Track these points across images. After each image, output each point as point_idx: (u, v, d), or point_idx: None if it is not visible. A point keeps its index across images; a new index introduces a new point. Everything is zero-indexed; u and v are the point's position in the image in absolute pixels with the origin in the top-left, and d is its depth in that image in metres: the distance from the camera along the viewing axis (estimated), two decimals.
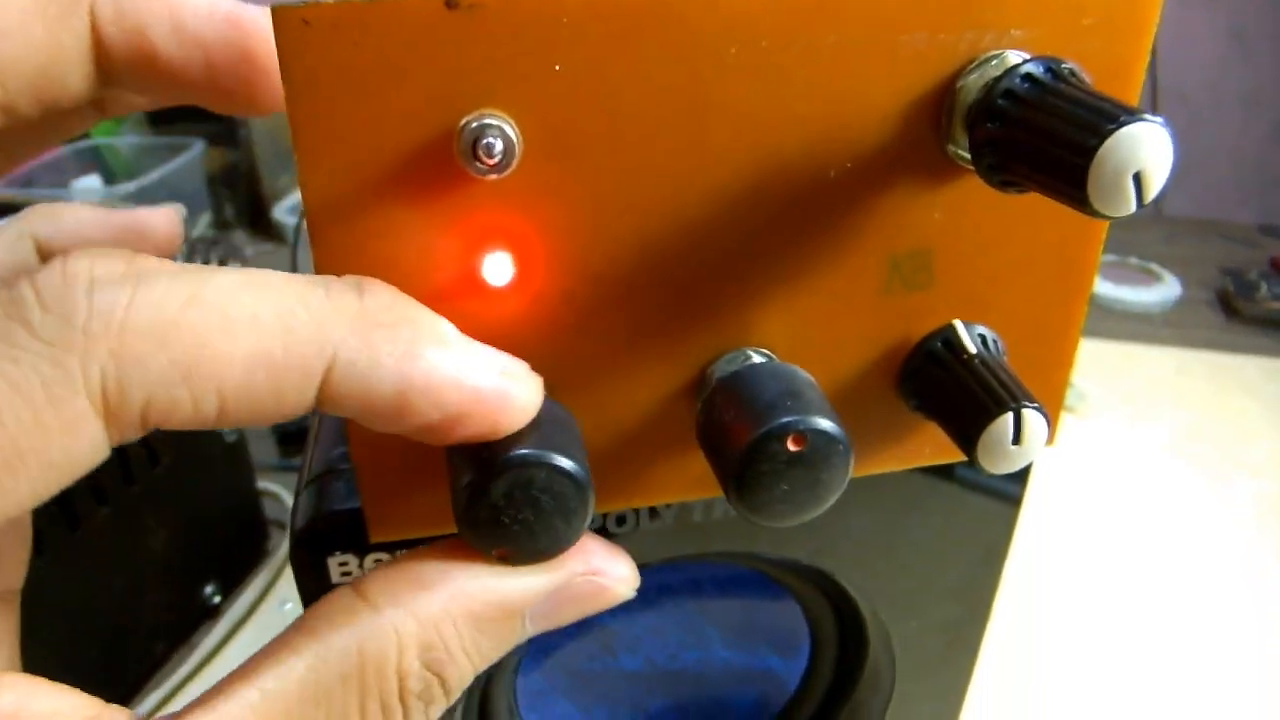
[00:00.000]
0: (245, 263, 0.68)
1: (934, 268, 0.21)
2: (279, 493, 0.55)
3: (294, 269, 0.46)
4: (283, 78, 0.16)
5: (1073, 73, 0.17)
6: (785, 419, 0.17)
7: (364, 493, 0.20)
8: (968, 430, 0.19)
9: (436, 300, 0.18)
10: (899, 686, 0.28)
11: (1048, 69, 0.17)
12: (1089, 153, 0.15)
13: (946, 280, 0.21)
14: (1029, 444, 0.19)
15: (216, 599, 0.49)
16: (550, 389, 0.19)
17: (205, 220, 0.87)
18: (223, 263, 0.67)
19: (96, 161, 0.89)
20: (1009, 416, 0.19)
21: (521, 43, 0.16)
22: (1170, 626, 0.47)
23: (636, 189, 0.18)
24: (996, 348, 0.21)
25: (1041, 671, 0.45)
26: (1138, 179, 0.15)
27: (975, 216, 0.20)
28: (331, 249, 0.17)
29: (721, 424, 0.18)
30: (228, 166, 0.93)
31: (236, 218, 0.94)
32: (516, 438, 0.17)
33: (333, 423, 0.25)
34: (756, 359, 0.20)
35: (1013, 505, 0.26)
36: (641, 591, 0.29)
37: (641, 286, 0.19)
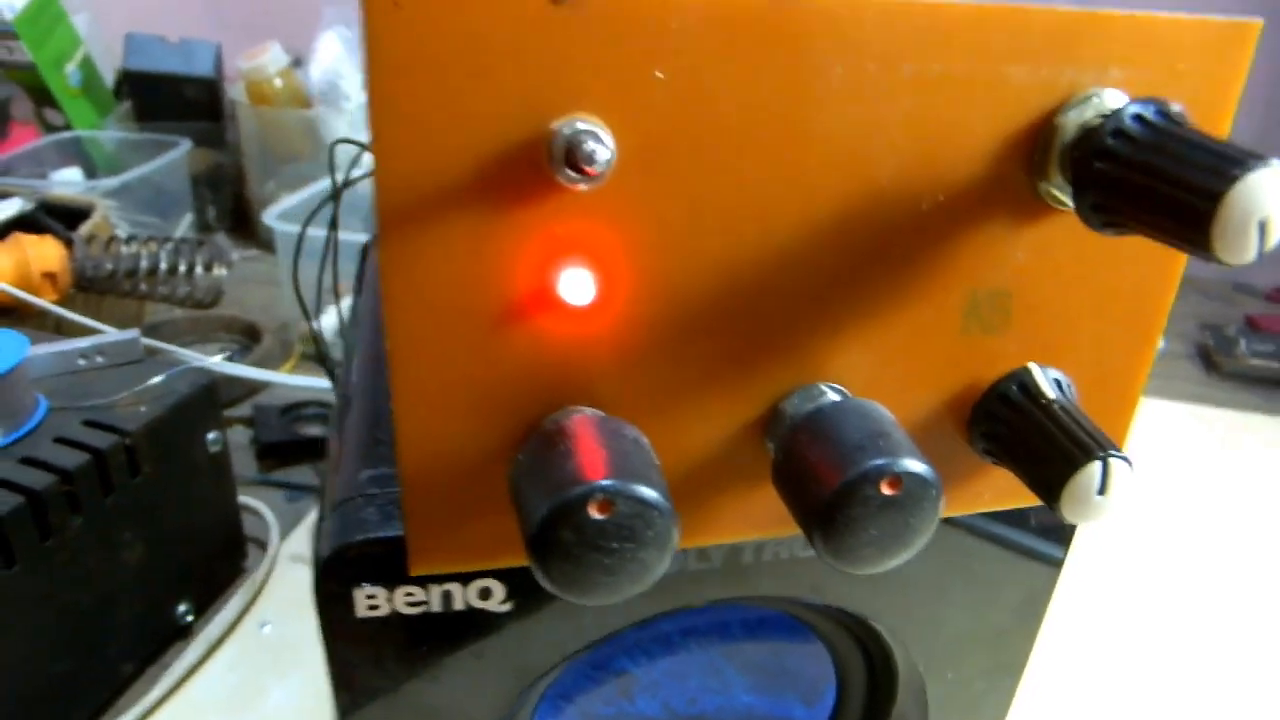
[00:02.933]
0: (230, 266, 0.66)
1: (1011, 309, 0.20)
2: (259, 508, 0.53)
3: (297, 279, 0.44)
4: (368, 63, 0.15)
5: (1182, 115, 0.17)
6: (879, 461, 0.16)
7: (410, 519, 0.19)
8: (1049, 478, 0.18)
9: (509, 317, 0.17)
10: None
11: (1158, 111, 0.17)
12: (1216, 197, 0.15)
13: (1021, 323, 0.20)
14: (1114, 493, 0.18)
15: (189, 618, 0.47)
16: (618, 416, 0.18)
17: (187, 221, 0.85)
18: (208, 266, 0.65)
19: (78, 154, 0.86)
20: (1097, 466, 0.18)
21: (624, 45, 0.15)
22: (1185, 673, 0.47)
23: (727, 209, 0.17)
24: (1071, 392, 0.20)
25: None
26: (1262, 226, 0.15)
27: (1056, 259, 0.20)
28: (401, 251, 0.16)
29: (806, 464, 0.17)
30: (213, 168, 0.91)
31: (219, 220, 0.91)
32: (597, 466, 0.16)
33: (356, 444, 0.24)
34: (831, 395, 0.19)
35: (1055, 566, 0.26)
36: (663, 634, 0.28)
37: (720, 314, 0.18)
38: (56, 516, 0.39)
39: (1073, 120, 0.18)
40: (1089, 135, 0.17)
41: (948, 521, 0.24)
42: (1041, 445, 0.19)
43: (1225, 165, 0.15)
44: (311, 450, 0.60)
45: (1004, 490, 0.22)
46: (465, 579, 0.21)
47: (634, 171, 0.16)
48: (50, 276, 0.57)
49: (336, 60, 0.80)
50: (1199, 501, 0.62)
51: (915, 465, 0.16)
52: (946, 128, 0.18)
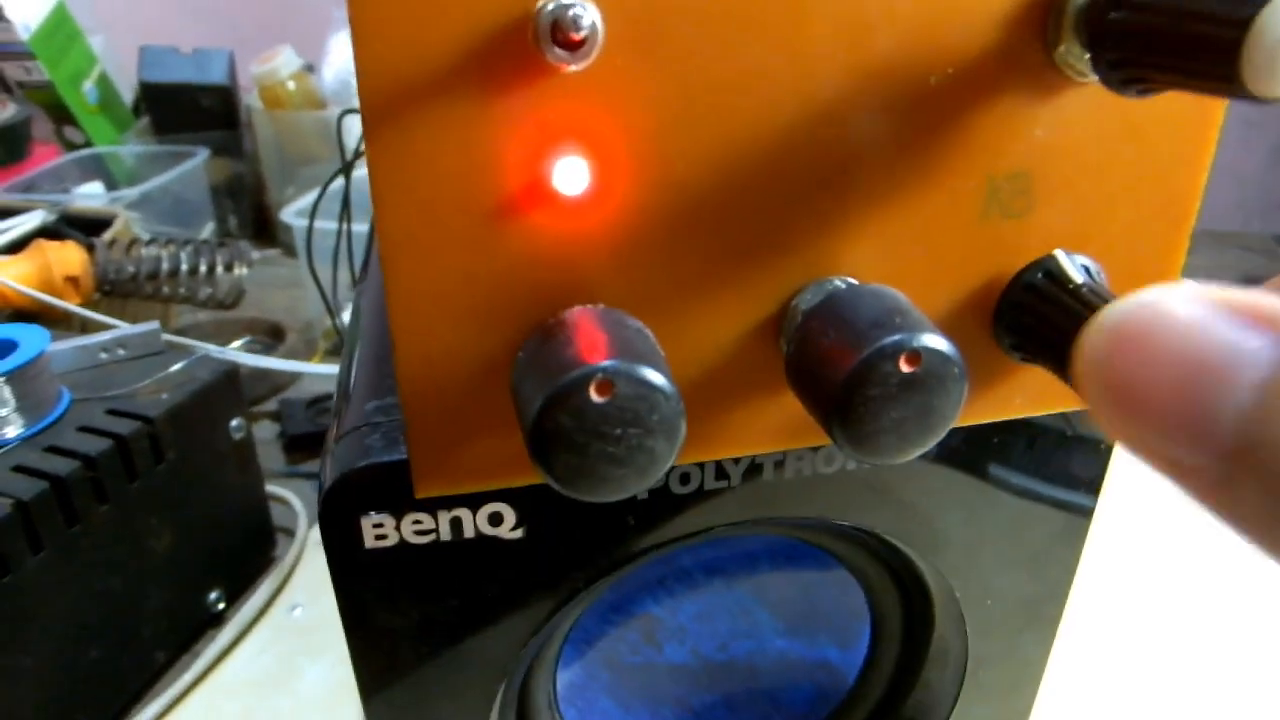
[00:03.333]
0: (250, 265, 0.66)
1: (1033, 192, 0.19)
2: (288, 497, 0.52)
3: (315, 274, 0.44)
4: None
5: None
6: (897, 336, 0.15)
7: (412, 436, 0.18)
8: None
9: (503, 211, 0.16)
10: (971, 674, 0.26)
11: None
12: (1243, 23, 0.14)
13: (1045, 206, 0.19)
14: None
15: (220, 606, 0.47)
16: None
17: (209, 229, 0.86)
18: (229, 266, 0.65)
19: (98, 170, 0.87)
20: None
21: None
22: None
23: (726, 90, 0.16)
24: (1101, 278, 0.19)
25: (1112, 656, 0.42)
26: None
27: (1078, 135, 0.18)
28: (388, 147, 0.15)
29: (820, 349, 0.16)
30: (232, 177, 0.91)
31: (240, 228, 0.92)
32: (597, 350, 0.15)
33: (367, 377, 0.23)
34: (843, 288, 0.18)
35: (1092, 494, 0.25)
36: (688, 571, 0.27)
37: (724, 203, 0.17)
38: (82, 502, 0.39)
39: None
40: None
41: (979, 439, 0.23)
42: (1072, 335, 0.18)
43: None
44: None
45: (1035, 395, 0.21)
46: (474, 504, 0.20)
47: (623, 50, 0.15)
48: (73, 280, 0.57)
49: (349, 60, 0.81)
50: None
51: (935, 340, 0.15)
52: None
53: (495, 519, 0.20)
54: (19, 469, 0.38)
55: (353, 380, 0.24)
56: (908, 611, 0.27)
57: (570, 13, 0.15)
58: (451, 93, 0.15)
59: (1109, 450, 0.24)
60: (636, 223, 0.17)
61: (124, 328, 0.47)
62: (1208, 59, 0.14)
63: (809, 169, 0.17)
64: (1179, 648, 0.43)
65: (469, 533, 0.20)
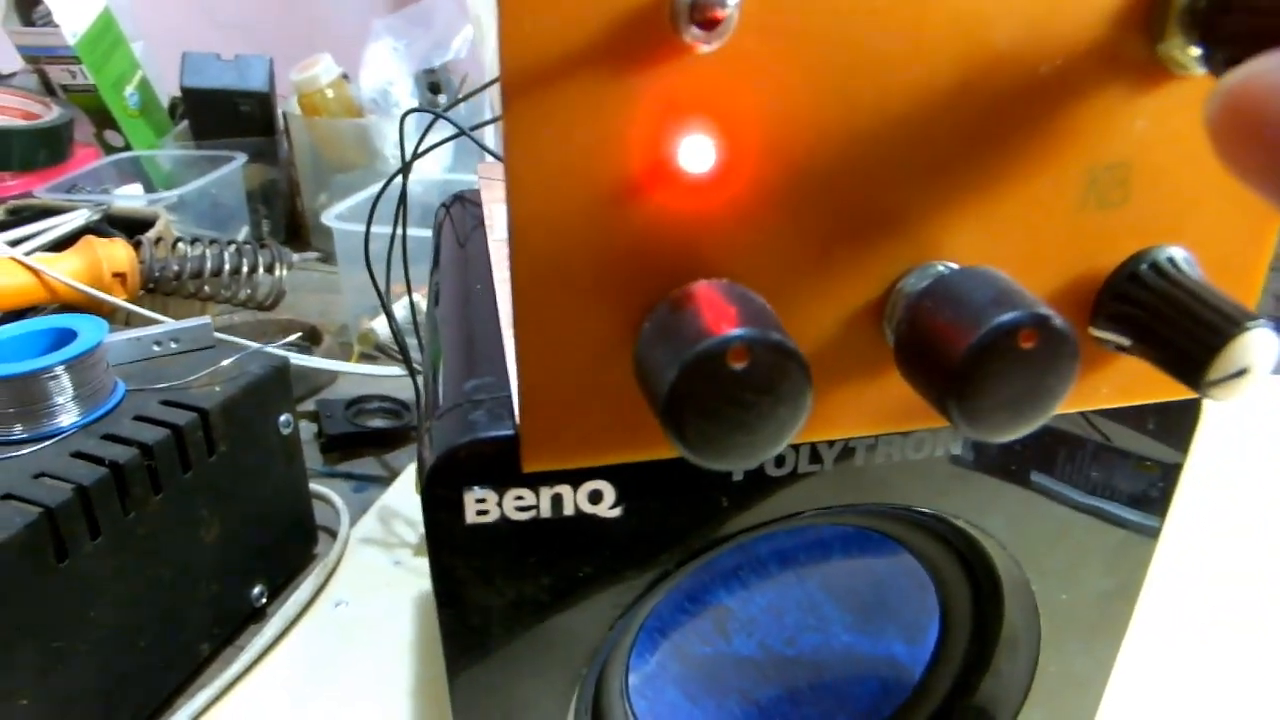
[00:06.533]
0: (291, 267, 0.67)
1: (1130, 183, 0.19)
2: (329, 494, 0.53)
3: (374, 276, 0.45)
4: None
5: None
6: (1018, 312, 0.16)
7: (525, 410, 0.18)
8: (1193, 355, 0.18)
9: (631, 187, 0.17)
10: (1042, 667, 0.26)
11: None
12: None
13: (1141, 197, 0.19)
14: (1260, 366, 0.17)
15: (263, 601, 0.47)
16: None
17: (244, 233, 0.87)
18: (269, 267, 0.66)
19: (137, 173, 0.88)
20: (1248, 336, 0.17)
21: None
22: None
23: (845, 74, 0.17)
24: (1195, 269, 0.20)
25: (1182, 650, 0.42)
26: None
27: (1176, 129, 0.19)
28: (522, 120, 0.16)
29: (936, 327, 0.17)
30: (267, 183, 0.92)
31: (273, 233, 0.93)
32: (729, 319, 0.15)
33: (458, 358, 0.23)
34: (950, 271, 0.18)
35: (1172, 479, 0.25)
36: (763, 561, 0.27)
37: (839, 185, 0.18)
38: (138, 490, 0.39)
39: None
40: None
41: (1060, 435, 0.23)
42: (1184, 321, 0.18)
43: None
44: (376, 442, 0.60)
45: (1121, 386, 0.21)
46: (576, 481, 0.20)
47: (754, 34, 0.16)
48: (120, 277, 0.58)
49: (385, 69, 0.82)
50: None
51: (1054, 317, 0.16)
52: None
53: (595, 497, 0.21)
54: (78, 455, 0.38)
55: (443, 362, 0.24)
56: (977, 603, 0.27)
57: None
58: (587, 70, 0.16)
59: (1178, 468, 0.25)
60: (756, 203, 0.17)
61: (176, 321, 0.47)
62: None
63: (921, 153, 0.18)
64: (1243, 657, 0.43)
65: (569, 510, 0.21)
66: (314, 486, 0.52)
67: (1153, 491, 0.24)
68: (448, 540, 0.21)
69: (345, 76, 0.91)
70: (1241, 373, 0.18)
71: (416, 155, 0.39)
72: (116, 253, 0.58)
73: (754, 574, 0.27)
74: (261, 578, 0.47)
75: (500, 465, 0.20)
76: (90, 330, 0.41)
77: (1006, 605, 0.26)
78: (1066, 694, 0.27)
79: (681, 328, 0.16)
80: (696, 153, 0.17)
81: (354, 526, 0.52)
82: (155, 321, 0.54)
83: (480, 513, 0.20)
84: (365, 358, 0.70)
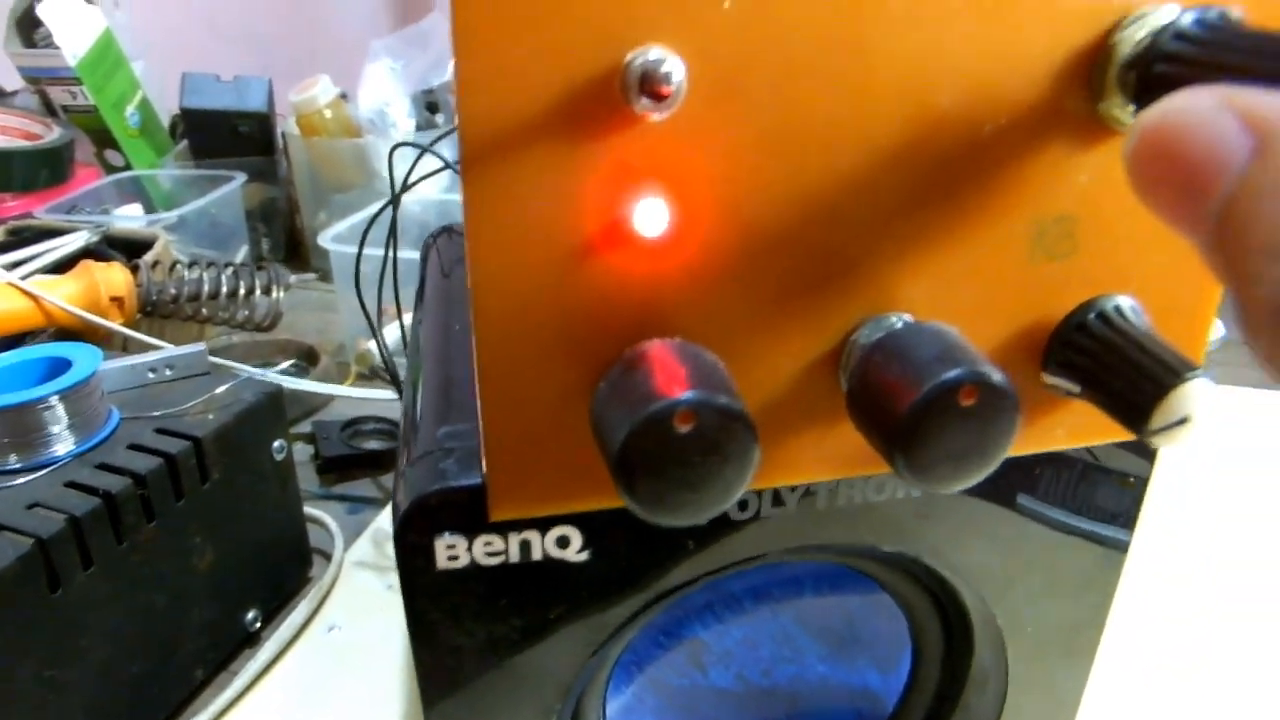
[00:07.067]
0: (288, 288, 0.68)
1: (1077, 235, 0.20)
2: (323, 518, 0.53)
3: (359, 282, 0.45)
4: (451, 11, 0.16)
5: (1240, 19, 0.17)
6: (958, 371, 0.16)
7: (490, 461, 0.19)
8: (1137, 404, 0.18)
9: (587, 249, 0.17)
10: (1011, 700, 0.27)
11: (1218, 13, 0.17)
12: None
13: (1088, 248, 0.20)
14: (1200, 415, 0.18)
15: (257, 625, 0.47)
16: None
17: (243, 253, 0.87)
18: (266, 289, 0.67)
19: (137, 192, 0.89)
20: (1186, 387, 0.18)
21: None
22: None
23: (794, 137, 0.17)
24: (1143, 319, 0.20)
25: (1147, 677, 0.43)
26: None
27: (1120, 181, 0.19)
28: (482, 187, 0.17)
29: (883, 382, 0.17)
30: (266, 202, 0.93)
31: (272, 252, 0.94)
32: (678, 381, 0.16)
33: (434, 403, 0.24)
34: (901, 325, 0.19)
35: (1128, 527, 0.25)
36: (734, 596, 0.28)
37: (792, 243, 0.18)
38: (131, 519, 0.40)
39: (1128, 38, 0.18)
40: (1149, 45, 0.17)
41: (1021, 472, 0.24)
42: (1127, 370, 0.19)
43: None
44: (371, 463, 0.61)
45: (1077, 427, 0.22)
46: (543, 527, 0.21)
47: (703, 101, 0.17)
48: (118, 301, 0.59)
49: (383, 90, 0.83)
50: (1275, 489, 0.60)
51: (993, 374, 0.16)
52: (1006, 49, 0.18)
53: (562, 542, 0.21)
54: (71, 485, 0.39)
55: (419, 406, 0.25)
56: (948, 637, 0.27)
57: (660, 67, 0.16)
58: (543, 139, 0.16)
59: (1143, 486, 0.25)
60: (710, 262, 0.18)
61: (171, 348, 0.48)
62: None
63: (871, 211, 0.18)
64: (1213, 682, 0.44)
65: (537, 555, 0.21)
66: (308, 510, 0.53)
67: (1112, 531, 0.25)
68: (420, 585, 0.21)
69: (344, 96, 0.92)
70: (1183, 421, 0.18)
71: (406, 187, 0.40)
72: (114, 277, 0.59)
73: (728, 609, 0.27)
74: (255, 602, 0.48)
75: (470, 513, 0.20)
76: (85, 359, 0.42)
77: (976, 640, 0.26)
78: None
79: (633, 389, 0.16)
80: (651, 217, 0.17)
81: (348, 550, 0.52)
82: (152, 347, 0.55)
83: (451, 558, 0.21)
84: (362, 378, 0.71)
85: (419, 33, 0.87)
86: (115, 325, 0.56)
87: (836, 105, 0.17)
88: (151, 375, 0.48)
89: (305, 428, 0.64)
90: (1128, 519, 0.26)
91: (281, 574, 0.50)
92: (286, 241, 0.94)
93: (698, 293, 0.18)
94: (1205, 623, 0.48)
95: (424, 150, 0.39)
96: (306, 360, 0.73)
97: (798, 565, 0.27)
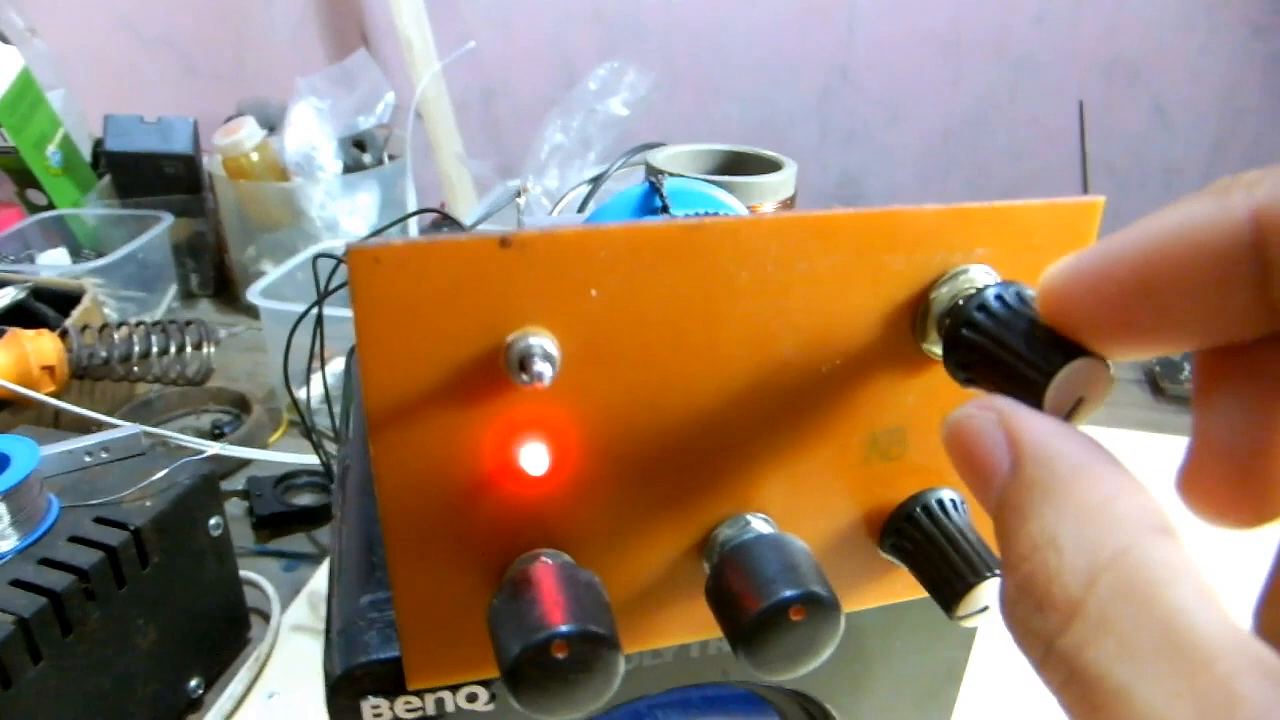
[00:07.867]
0: (218, 344, 0.69)
1: (907, 441, 0.24)
2: (259, 581, 0.56)
3: (287, 370, 0.48)
4: (354, 302, 0.18)
5: (1034, 299, 0.20)
6: (787, 593, 0.20)
7: (406, 646, 0.22)
8: (946, 592, 0.22)
9: (480, 485, 0.20)
10: None
11: (1017, 293, 0.20)
12: (1049, 374, 0.18)
13: (917, 451, 0.24)
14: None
15: (200, 692, 0.50)
16: (577, 555, 0.22)
17: (172, 292, 0.88)
18: (197, 345, 0.68)
19: (61, 231, 0.89)
20: (985, 585, 0.22)
21: (564, 273, 0.19)
22: None
23: (657, 388, 0.21)
24: (963, 509, 0.24)
25: None
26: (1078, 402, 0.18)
27: (942, 398, 0.23)
28: (389, 445, 0.20)
29: (730, 593, 0.21)
30: (193, 236, 0.94)
31: (202, 288, 0.94)
32: (557, 613, 0.19)
33: (356, 566, 0.27)
34: (755, 524, 0.23)
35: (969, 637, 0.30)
36: (635, 712, 0.31)
37: (658, 468, 0.22)
38: (76, 612, 0.42)
39: (945, 294, 0.21)
40: (958, 307, 0.21)
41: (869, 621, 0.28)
42: (940, 563, 0.23)
43: (1054, 351, 0.18)
44: (306, 518, 0.63)
45: (911, 584, 0.26)
46: (454, 687, 0.24)
47: (578, 367, 0.20)
48: (49, 369, 0.60)
49: (309, 132, 0.84)
50: None
51: (819, 593, 0.20)
52: (839, 308, 0.21)
53: (471, 697, 0.24)
54: (17, 583, 0.40)
55: (344, 562, 0.28)
56: None
57: (534, 349, 0.19)
58: (438, 403, 0.20)
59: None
60: (587, 488, 0.21)
61: (107, 431, 0.49)
62: (1021, 387, 0.19)
63: (727, 440, 0.22)
64: None
65: (450, 708, 0.24)
66: (245, 574, 0.55)
67: (951, 651, 0.29)
68: None
69: (272, 130, 0.92)
70: (984, 609, 0.22)
71: (329, 292, 0.42)
72: (44, 346, 0.60)
73: None
74: (197, 669, 0.50)
75: (391, 679, 0.23)
76: (24, 456, 0.44)
77: None
78: None
79: (519, 614, 0.19)
80: (535, 459, 0.20)
81: (285, 612, 0.55)
82: (86, 421, 0.57)
83: (376, 715, 0.24)
84: (294, 424, 0.73)
85: (344, 71, 0.88)
86: (47, 398, 0.57)
87: (691, 360, 0.21)
88: (88, 459, 0.49)
89: (239, 482, 0.66)
90: (964, 642, 0.30)
91: (221, 639, 0.53)
92: (215, 278, 0.95)
93: (578, 512, 0.21)
94: None
95: (340, 262, 0.41)
96: (239, 408, 0.74)
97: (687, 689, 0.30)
